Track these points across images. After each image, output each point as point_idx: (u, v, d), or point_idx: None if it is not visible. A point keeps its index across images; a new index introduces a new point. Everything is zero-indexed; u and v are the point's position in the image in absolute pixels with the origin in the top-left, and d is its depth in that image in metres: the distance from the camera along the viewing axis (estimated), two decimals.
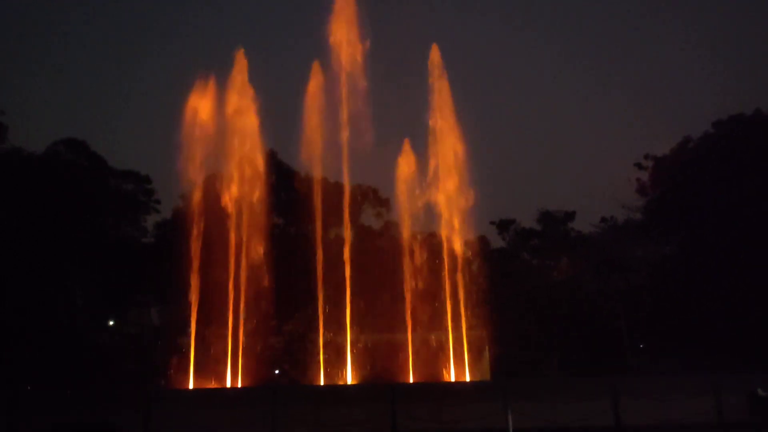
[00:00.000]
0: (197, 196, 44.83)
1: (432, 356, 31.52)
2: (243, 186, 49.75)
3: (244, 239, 37.74)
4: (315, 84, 34.39)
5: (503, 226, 55.14)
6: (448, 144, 33.53)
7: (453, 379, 29.54)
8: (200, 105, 33.81)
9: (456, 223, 33.96)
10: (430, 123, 33.71)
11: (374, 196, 52.34)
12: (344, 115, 34.36)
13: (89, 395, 25.18)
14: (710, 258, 39.82)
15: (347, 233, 33.87)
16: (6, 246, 36.50)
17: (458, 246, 34.02)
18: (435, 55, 34.03)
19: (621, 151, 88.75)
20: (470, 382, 28.94)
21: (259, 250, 35.11)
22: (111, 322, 45.08)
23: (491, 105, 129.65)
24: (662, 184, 47.67)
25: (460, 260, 33.35)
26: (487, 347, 32.95)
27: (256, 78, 35.24)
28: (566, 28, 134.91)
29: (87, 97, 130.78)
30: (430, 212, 35.12)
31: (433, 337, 32.06)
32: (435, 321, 32.42)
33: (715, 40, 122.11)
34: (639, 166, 50.06)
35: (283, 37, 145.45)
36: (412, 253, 39.60)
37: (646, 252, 49.27)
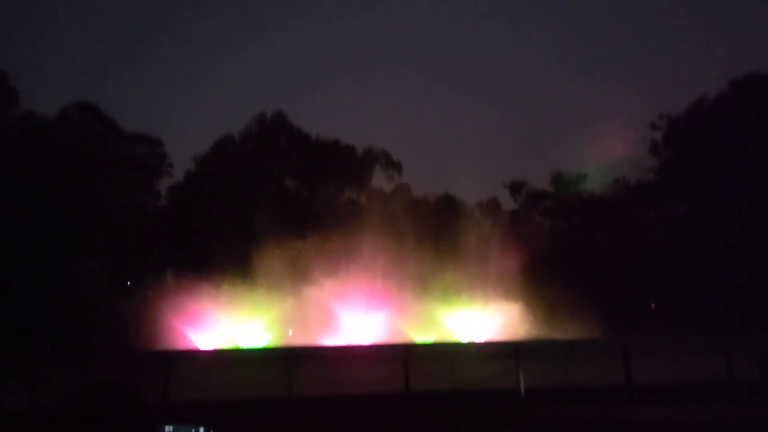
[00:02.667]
0: (209, 159, 44.53)
1: (445, 316, 31.86)
2: (255, 148, 49.73)
3: (257, 201, 37.91)
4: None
5: (515, 188, 54.98)
6: (461, 107, 33.37)
7: (465, 340, 29.88)
8: (211, 67, 33.68)
9: (468, 185, 34.04)
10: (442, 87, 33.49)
11: (386, 159, 52.31)
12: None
13: (109, 357, 25.58)
14: (724, 219, 39.62)
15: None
16: (20, 213, 36.68)
17: (470, 208, 34.25)
18: None
19: (635, 111, 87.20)
20: (482, 342, 29.24)
21: (271, 212, 35.37)
22: (128, 283, 45.48)
23: (504, 64, 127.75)
24: (676, 144, 47.19)
25: (471, 222, 33.50)
26: (499, 308, 33.15)
27: (269, 43, 35.02)
28: None
29: (98, 58, 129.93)
30: (441, 174, 35.20)
31: (446, 297, 32.32)
32: (448, 282, 32.68)
33: None
34: (653, 126, 49.54)
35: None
36: (423, 215, 39.77)
37: (659, 213, 49.06)
